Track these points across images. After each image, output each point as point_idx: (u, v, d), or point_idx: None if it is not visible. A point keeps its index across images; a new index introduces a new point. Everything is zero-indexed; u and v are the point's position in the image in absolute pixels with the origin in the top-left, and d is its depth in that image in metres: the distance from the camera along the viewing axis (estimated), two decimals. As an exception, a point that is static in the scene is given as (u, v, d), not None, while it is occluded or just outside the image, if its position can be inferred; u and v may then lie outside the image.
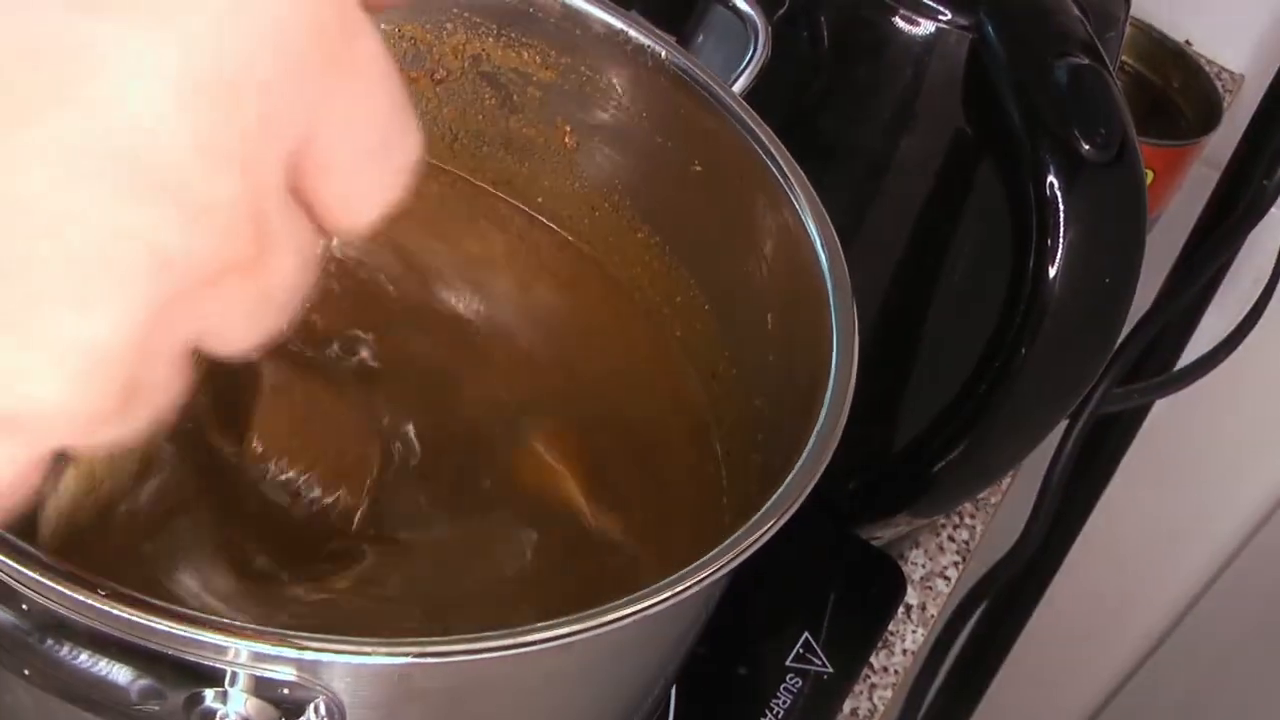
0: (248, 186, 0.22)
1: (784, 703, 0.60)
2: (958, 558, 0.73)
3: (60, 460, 0.39)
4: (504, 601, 0.47)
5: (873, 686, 0.66)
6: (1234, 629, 1.26)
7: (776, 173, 0.50)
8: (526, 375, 0.55)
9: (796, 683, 0.61)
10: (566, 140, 0.59)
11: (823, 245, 0.48)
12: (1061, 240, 0.52)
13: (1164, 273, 0.86)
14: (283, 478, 0.44)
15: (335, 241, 0.57)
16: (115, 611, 0.33)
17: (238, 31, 0.21)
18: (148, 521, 0.44)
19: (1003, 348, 0.56)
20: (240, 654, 0.34)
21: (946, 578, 0.72)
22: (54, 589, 0.33)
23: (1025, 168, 0.53)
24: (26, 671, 0.35)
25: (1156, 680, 1.33)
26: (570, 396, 0.55)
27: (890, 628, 0.68)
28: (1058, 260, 0.52)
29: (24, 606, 0.34)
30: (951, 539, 0.74)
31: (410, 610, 0.45)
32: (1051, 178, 0.52)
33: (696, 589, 0.37)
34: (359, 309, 0.55)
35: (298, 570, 0.44)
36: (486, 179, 0.61)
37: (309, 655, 0.34)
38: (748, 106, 0.52)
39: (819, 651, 0.62)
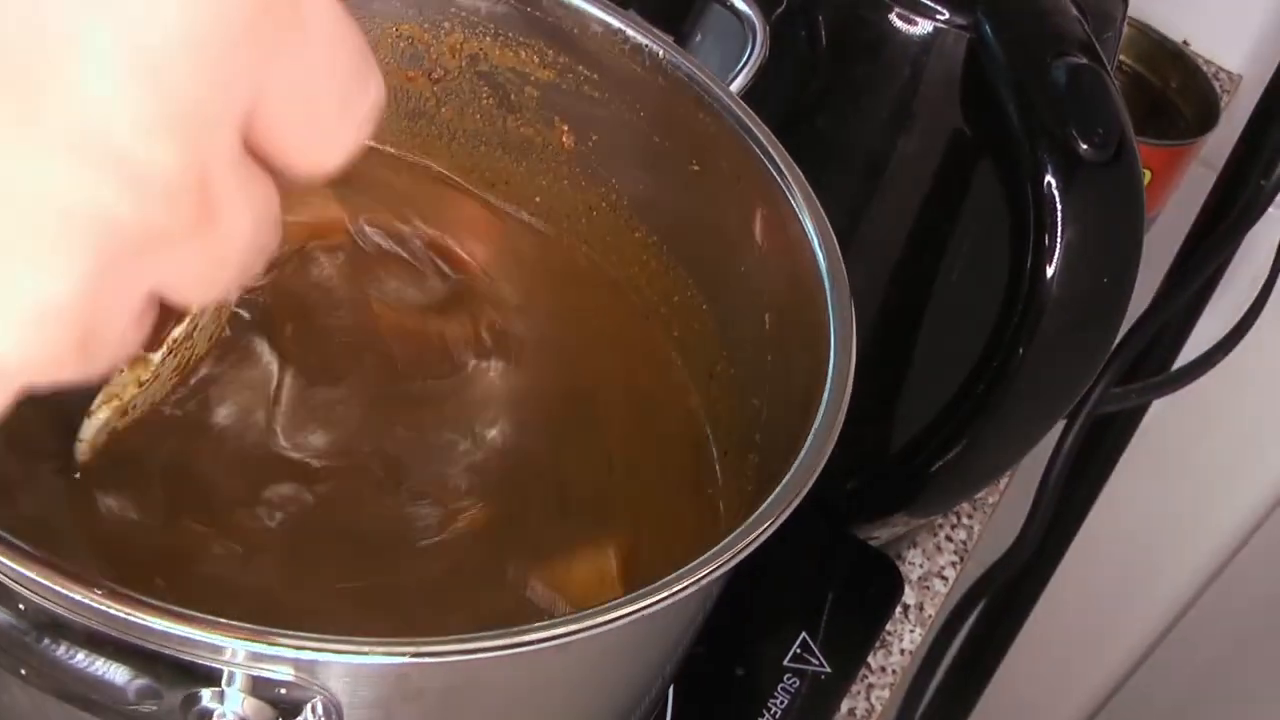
0: (192, 154, 0.23)
1: (781, 703, 0.60)
2: (955, 558, 0.73)
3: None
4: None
5: (870, 686, 0.66)
6: (1231, 629, 1.26)
7: (774, 172, 0.50)
8: (524, 375, 0.55)
9: (794, 683, 0.61)
10: (564, 140, 0.58)
11: (820, 245, 0.48)
12: (1059, 240, 0.52)
13: (1161, 273, 0.86)
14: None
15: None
16: (112, 610, 0.33)
17: (177, 6, 0.22)
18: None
19: (1000, 347, 0.56)
20: (237, 653, 0.34)
21: (944, 578, 0.72)
22: (51, 588, 0.33)
23: (1023, 167, 0.53)
24: (23, 671, 0.35)
25: (1154, 680, 1.33)
26: (568, 396, 0.55)
27: (888, 628, 0.68)
28: (1055, 260, 0.52)
29: (20, 606, 0.34)
30: (949, 539, 0.74)
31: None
32: (1049, 177, 0.52)
33: (694, 589, 0.37)
34: (357, 307, 0.55)
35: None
36: (484, 178, 0.61)
37: (306, 655, 0.34)
38: (745, 106, 0.52)
39: (816, 651, 0.62)
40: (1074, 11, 0.55)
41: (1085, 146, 0.52)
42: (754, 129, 0.52)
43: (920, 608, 0.70)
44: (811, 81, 0.60)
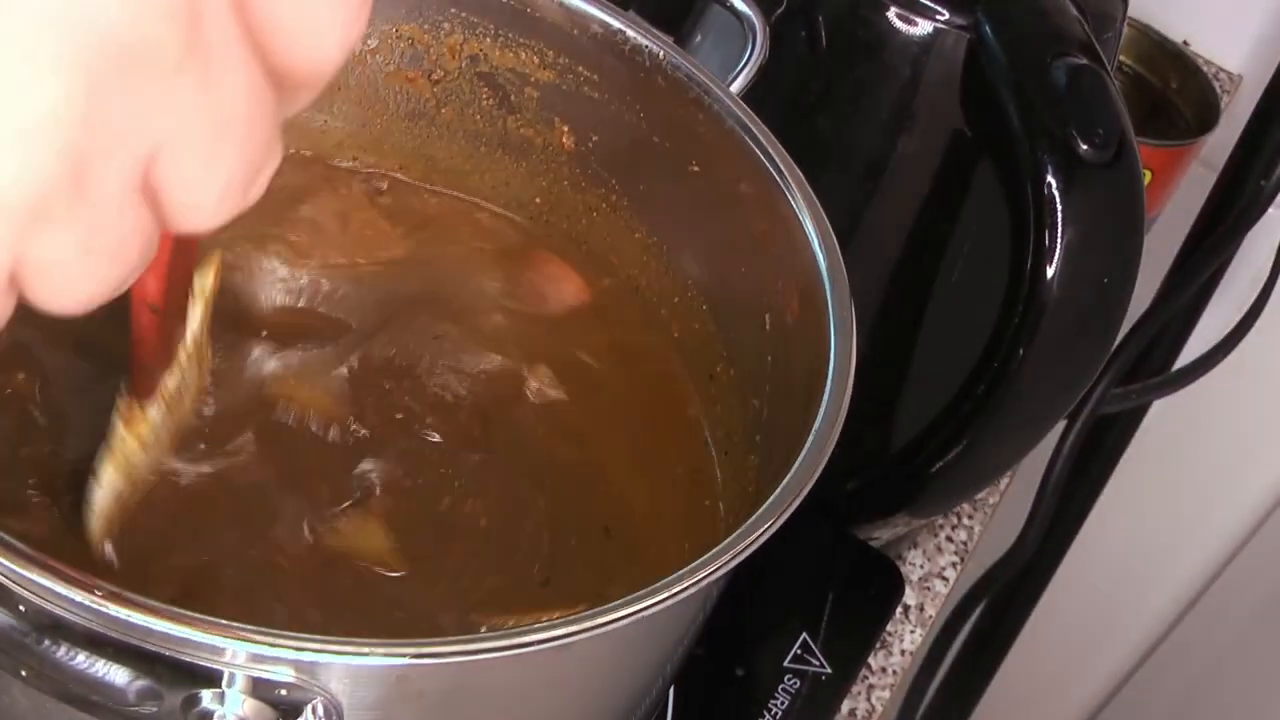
0: None
1: (782, 703, 0.60)
2: (956, 558, 0.73)
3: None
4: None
5: (871, 687, 0.66)
6: (1231, 630, 1.26)
7: (774, 173, 0.50)
8: (522, 374, 0.55)
9: (794, 683, 0.61)
10: (564, 140, 0.58)
11: (820, 245, 0.48)
12: (1059, 240, 0.52)
13: (1162, 273, 0.86)
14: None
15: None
16: (112, 612, 0.33)
17: None
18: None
19: (1001, 348, 0.56)
20: (238, 655, 0.34)
21: (945, 578, 0.72)
22: (51, 589, 0.33)
23: (1023, 168, 0.53)
24: (23, 673, 0.35)
25: (1154, 680, 1.33)
26: (567, 396, 0.55)
27: (888, 628, 0.68)
28: (1056, 260, 0.52)
29: (21, 607, 0.34)
30: (950, 539, 0.74)
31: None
32: (1049, 178, 0.52)
33: (694, 589, 0.37)
34: (359, 305, 0.55)
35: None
36: (484, 179, 0.61)
37: (307, 656, 0.34)
38: (745, 107, 0.52)
39: (817, 652, 0.62)
40: (1074, 11, 0.55)
41: (1085, 147, 0.52)
42: (754, 129, 0.52)
43: (921, 608, 0.70)
44: (811, 81, 0.60)
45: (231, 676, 0.34)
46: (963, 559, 0.73)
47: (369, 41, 0.58)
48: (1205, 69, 0.99)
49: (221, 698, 0.35)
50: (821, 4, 0.59)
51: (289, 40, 0.26)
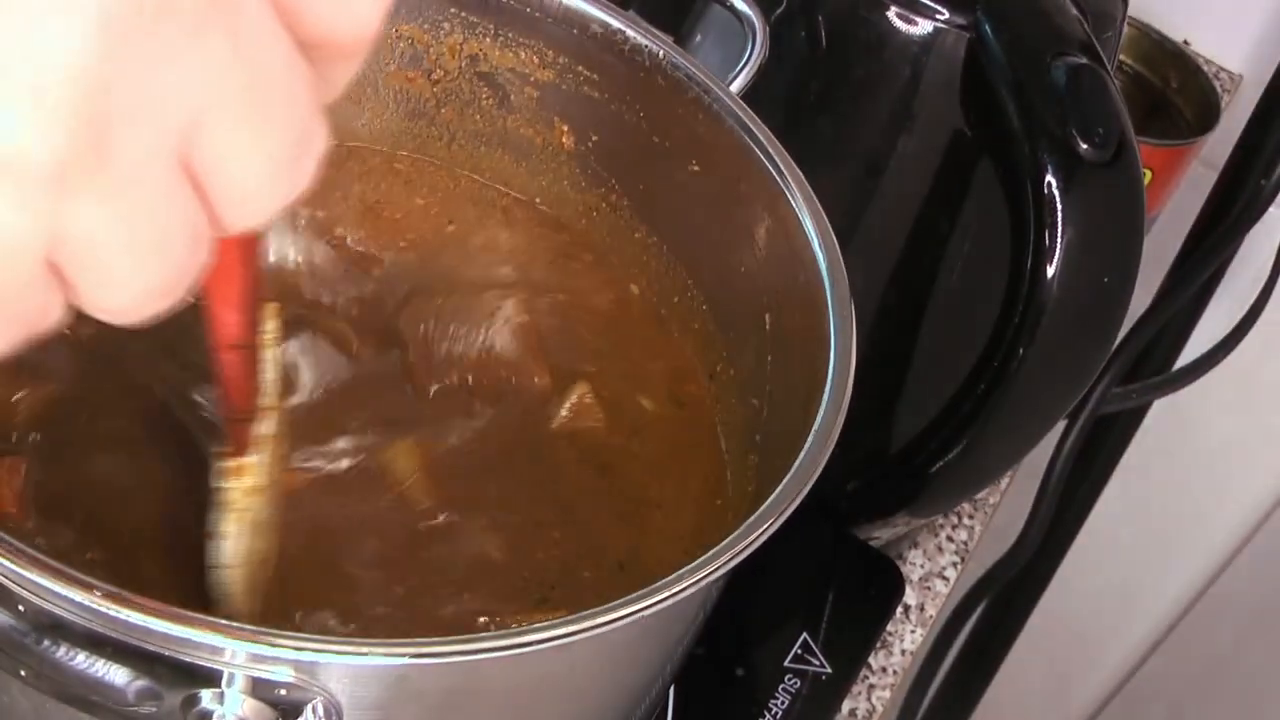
0: None
1: (782, 703, 0.60)
2: (956, 558, 0.73)
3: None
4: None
5: (871, 687, 0.66)
6: (1232, 629, 1.26)
7: (774, 173, 0.50)
8: (521, 375, 0.55)
9: (795, 683, 0.61)
10: (564, 140, 0.58)
11: (820, 245, 0.48)
12: (1059, 240, 0.52)
13: (1162, 272, 0.86)
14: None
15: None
16: (112, 612, 0.33)
17: None
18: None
19: (1001, 347, 0.56)
20: (237, 655, 0.34)
21: (945, 578, 0.72)
22: (51, 589, 0.33)
23: (1023, 168, 0.53)
24: (23, 673, 0.35)
25: (1155, 681, 1.33)
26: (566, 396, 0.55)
27: (889, 628, 0.68)
28: (1056, 260, 0.52)
29: (20, 607, 0.34)
30: (950, 539, 0.74)
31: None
32: (1049, 177, 0.52)
33: (694, 589, 0.37)
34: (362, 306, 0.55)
35: None
36: (483, 179, 0.61)
37: (306, 656, 0.34)
38: (745, 106, 0.52)
39: (817, 652, 0.62)
40: (1074, 11, 0.55)
41: (1085, 146, 0.52)
42: (754, 129, 0.52)
43: (921, 608, 0.70)
44: (811, 82, 0.60)
45: (231, 676, 0.34)
46: (963, 559, 0.73)
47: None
48: (1205, 68, 0.99)
49: (221, 698, 0.35)
50: (821, 4, 0.59)
51: (314, 4, 0.25)
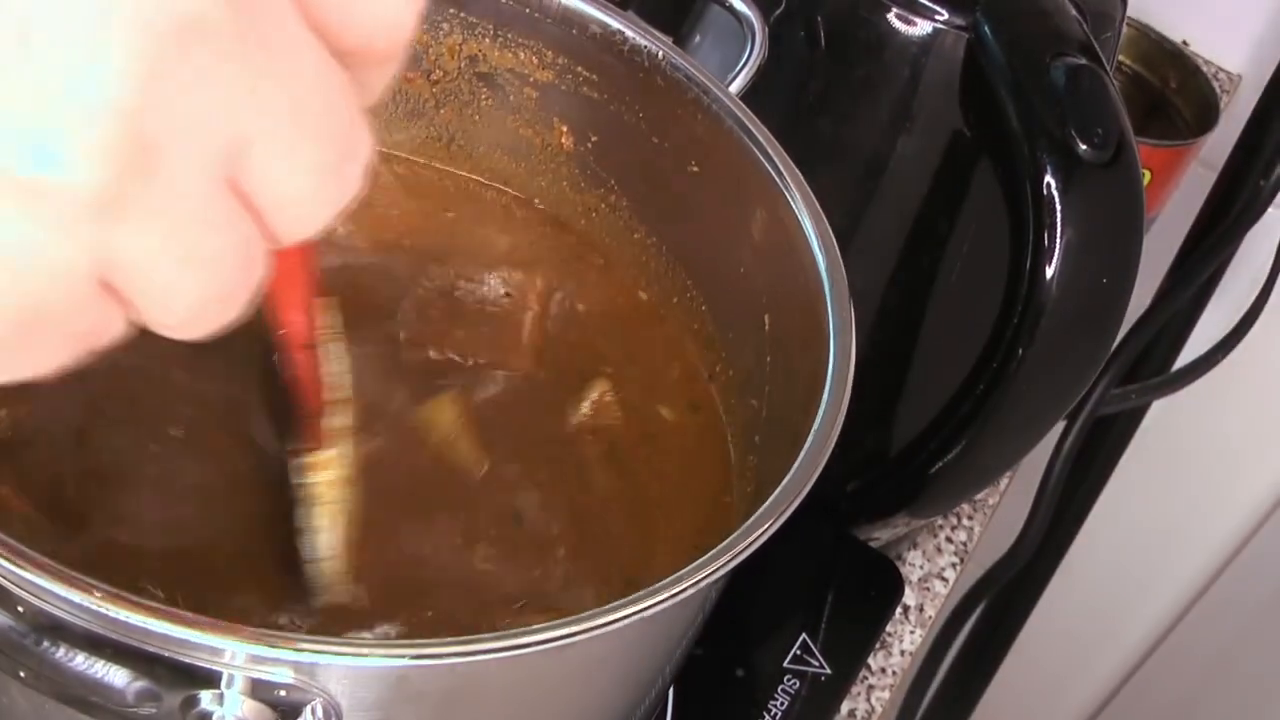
0: None
1: (781, 704, 0.60)
2: (955, 559, 0.73)
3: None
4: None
5: (870, 688, 0.66)
6: (1231, 630, 1.26)
7: (773, 173, 0.50)
8: (520, 375, 0.55)
9: (794, 684, 0.61)
10: (564, 140, 0.58)
11: (820, 246, 0.48)
12: (1059, 241, 0.52)
13: (1161, 273, 0.86)
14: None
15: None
16: (111, 613, 0.33)
17: None
18: None
19: (1000, 348, 0.56)
20: (237, 656, 0.34)
21: (944, 579, 0.72)
22: (50, 590, 0.33)
23: (1022, 168, 0.53)
24: (22, 674, 0.35)
25: (1155, 681, 1.33)
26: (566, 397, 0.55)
27: (888, 629, 0.68)
28: (1055, 261, 0.52)
29: (19, 608, 0.34)
30: (949, 540, 0.74)
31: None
32: (1049, 178, 0.52)
33: (693, 590, 0.37)
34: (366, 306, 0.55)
35: None
36: (483, 179, 0.61)
37: (306, 657, 0.34)
38: (744, 107, 0.52)
39: (817, 653, 0.62)
40: (1073, 11, 0.55)
41: (1085, 147, 0.52)
42: (753, 129, 0.52)
43: (920, 609, 0.70)
44: (811, 82, 0.60)
45: (230, 677, 0.34)
46: (963, 559, 0.73)
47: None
48: (1205, 69, 0.99)
49: (220, 699, 0.35)
50: (821, 4, 0.59)
51: (344, 11, 0.25)
